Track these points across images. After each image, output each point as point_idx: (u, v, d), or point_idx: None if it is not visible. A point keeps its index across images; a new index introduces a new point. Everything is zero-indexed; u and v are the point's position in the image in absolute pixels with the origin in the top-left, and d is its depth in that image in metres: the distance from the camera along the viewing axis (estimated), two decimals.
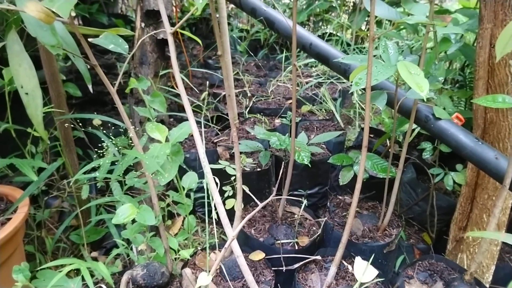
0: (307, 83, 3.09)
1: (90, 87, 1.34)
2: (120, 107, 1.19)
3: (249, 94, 2.98)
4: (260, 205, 1.06)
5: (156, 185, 1.56)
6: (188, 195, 1.65)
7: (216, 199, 1.05)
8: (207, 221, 1.28)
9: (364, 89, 1.12)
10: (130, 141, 1.78)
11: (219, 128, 2.45)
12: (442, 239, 1.76)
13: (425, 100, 1.15)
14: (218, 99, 2.83)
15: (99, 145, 1.60)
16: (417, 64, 1.35)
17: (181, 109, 2.54)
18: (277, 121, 2.63)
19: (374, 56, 1.33)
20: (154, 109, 1.38)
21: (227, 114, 2.55)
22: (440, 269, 1.42)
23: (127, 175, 1.55)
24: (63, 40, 1.19)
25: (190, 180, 1.42)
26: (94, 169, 1.61)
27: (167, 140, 1.29)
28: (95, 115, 1.68)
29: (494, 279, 1.58)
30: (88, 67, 1.27)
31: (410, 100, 1.34)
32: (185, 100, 1.11)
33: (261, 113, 2.71)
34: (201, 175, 1.97)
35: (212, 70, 3.29)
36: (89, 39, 1.17)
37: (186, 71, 3.02)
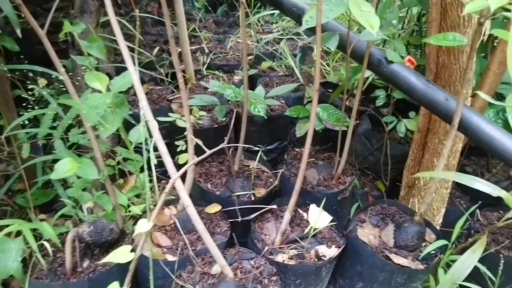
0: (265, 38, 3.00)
1: (18, 31, 1.21)
2: (51, 51, 1.08)
3: (206, 51, 2.87)
4: (209, 151, 1.01)
5: (101, 141, 1.48)
6: (141, 154, 1.58)
7: (161, 148, 1.00)
8: (151, 174, 1.22)
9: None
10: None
11: (174, 85, 2.34)
12: (396, 187, 1.80)
13: (375, 36, 1.11)
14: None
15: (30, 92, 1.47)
16: None
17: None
18: (236, 78, 2.56)
19: None
20: (98, 60, 1.28)
21: (183, 71, 2.44)
22: (391, 213, 1.46)
23: (71, 131, 1.45)
24: None
25: (138, 134, 1.34)
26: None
27: (108, 90, 1.20)
28: (28, 66, 1.54)
29: (446, 223, 1.65)
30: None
31: (363, 44, 1.31)
32: (122, 45, 1.01)
33: (220, 70, 2.62)
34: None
35: None
36: None
37: (130, 18, 2.81)
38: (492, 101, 1.06)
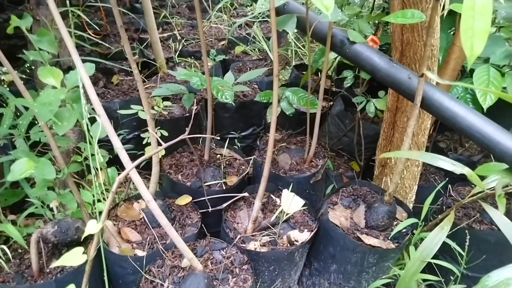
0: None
1: None
2: None
3: (179, 38, 2.80)
4: (165, 144, 0.98)
5: (65, 137, 1.43)
6: (111, 149, 1.54)
7: (116, 143, 0.96)
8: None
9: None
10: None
11: (145, 75, 2.29)
12: (371, 167, 1.80)
13: (330, 17, 1.08)
14: (144, 44, 2.63)
15: None
16: None
17: (102, 56, 2.33)
18: (209, 64, 2.51)
19: None
20: (58, 54, 1.23)
21: (154, 60, 2.38)
22: (363, 193, 1.46)
23: (32, 129, 1.41)
24: None
25: (99, 129, 1.30)
26: None
27: (64, 85, 1.16)
28: None
29: (420, 199, 1.65)
30: None
31: (325, 25, 1.28)
32: (65, 34, 0.96)
33: (192, 56, 2.56)
34: (126, 126, 1.86)
35: (140, 15, 3.03)
36: None
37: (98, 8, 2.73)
38: (439, 80, 1.04)
